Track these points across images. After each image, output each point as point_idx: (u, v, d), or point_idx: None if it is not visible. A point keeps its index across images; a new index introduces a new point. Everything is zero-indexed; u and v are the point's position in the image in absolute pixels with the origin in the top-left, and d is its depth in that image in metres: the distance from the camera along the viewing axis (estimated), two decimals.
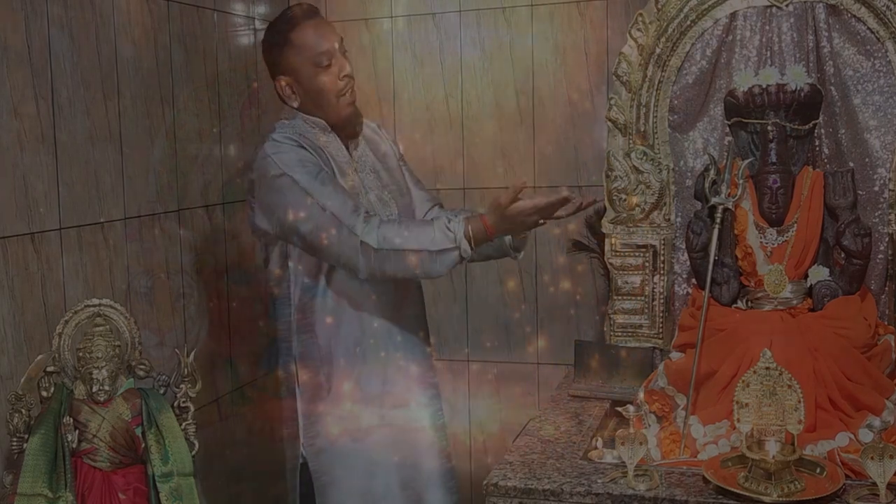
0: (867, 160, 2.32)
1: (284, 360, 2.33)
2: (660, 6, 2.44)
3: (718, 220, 2.19)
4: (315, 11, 2.29)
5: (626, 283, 2.52)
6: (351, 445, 2.26)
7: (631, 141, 2.48)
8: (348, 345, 2.25)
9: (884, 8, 2.29)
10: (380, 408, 2.28)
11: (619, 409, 2.30)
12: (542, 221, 2.13)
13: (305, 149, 2.20)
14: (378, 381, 2.28)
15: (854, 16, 2.33)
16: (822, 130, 2.39)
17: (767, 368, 1.81)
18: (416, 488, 2.32)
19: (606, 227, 2.53)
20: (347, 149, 2.31)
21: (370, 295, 2.25)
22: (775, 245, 2.22)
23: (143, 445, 2.11)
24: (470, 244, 2.10)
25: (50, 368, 2.10)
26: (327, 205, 2.12)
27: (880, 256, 2.31)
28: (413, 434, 2.33)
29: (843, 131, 2.37)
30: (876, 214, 2.32)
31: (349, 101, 2.27)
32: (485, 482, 1.93)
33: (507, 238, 2.27)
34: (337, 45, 2.25)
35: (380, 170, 2.37)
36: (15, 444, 2.03)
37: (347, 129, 2.31)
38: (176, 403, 2.19)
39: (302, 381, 2.28)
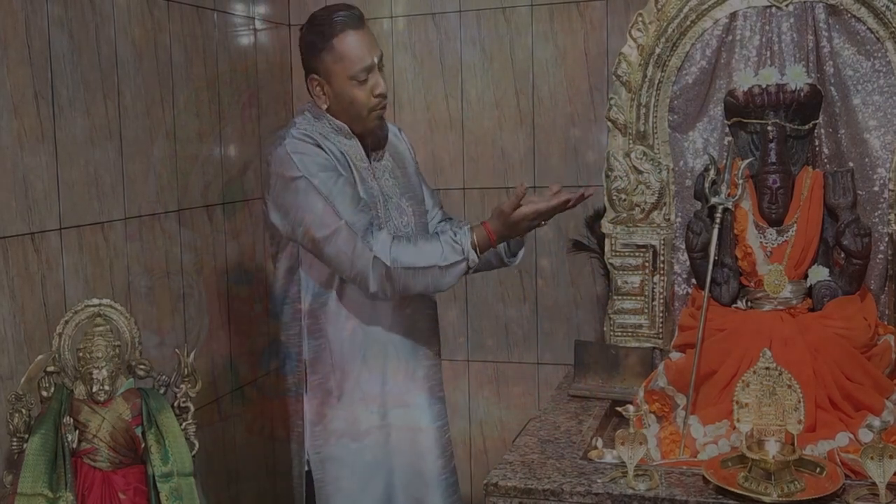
0: (867, 160, 2.32)
1: (292, 365, 2.30)
2: (660, 6, 2.44)
3: (718, 220, 2.19)
4: (361, 18, 2.21)
5: (626, 283, 2.52)
6: (356, 453, 2.25)
7: (631, 141, 2.48)
8: (356, 352, 2.24)
9: (883, 8, 2.29)
10: (386, 417, 2.27)
11: (619, 409, 2.30)
12: (543, 223, 2.16)
13: (325, 151, 2.17)
14: (383, 390, 2.27)
15: (854, 16, 2.33)
16: (822, 130, 2.39)
17: (767, 368, 1.81)
18: (419, 497, 2.31)
19: (606, 227, 2.53)
20: (368, 156, 2.28)
21: (380, 303, 2.24)
22: (775, 245, 2.21)
23: (143, 445, 2.11)
24: (476, 253, 2.13)
25: (50, 368, 2.10)
26: (343, 214, 2.11)
27: (880, 256, 2.31)
28: (416, 446, 2.31)
29: (843, 131, 2.36)
30: (876, 214, 2.32)
31: (378, 116, 2.25)
32: (485, 482, 1.93)
33: (502, 245, 2.28)
34: (376, 60, 2.20)
35: (399, 176, 2.33)
36: (15, 444, 2.03)
37: (371, 140, 2.29)
38: (176, 403, 2.19)
39: (311, 387, 2.26)
